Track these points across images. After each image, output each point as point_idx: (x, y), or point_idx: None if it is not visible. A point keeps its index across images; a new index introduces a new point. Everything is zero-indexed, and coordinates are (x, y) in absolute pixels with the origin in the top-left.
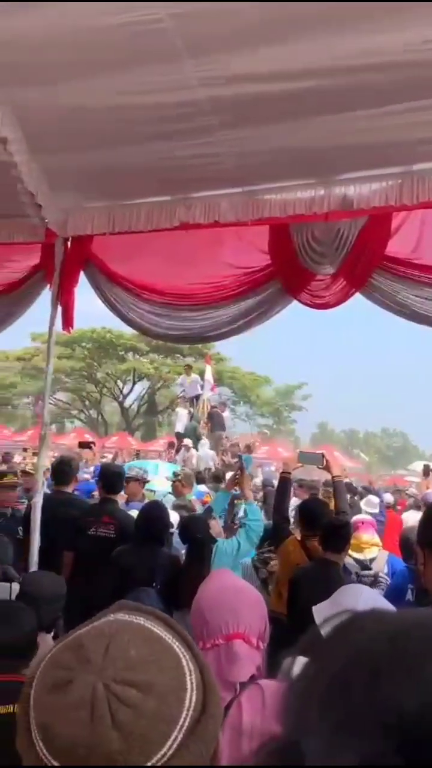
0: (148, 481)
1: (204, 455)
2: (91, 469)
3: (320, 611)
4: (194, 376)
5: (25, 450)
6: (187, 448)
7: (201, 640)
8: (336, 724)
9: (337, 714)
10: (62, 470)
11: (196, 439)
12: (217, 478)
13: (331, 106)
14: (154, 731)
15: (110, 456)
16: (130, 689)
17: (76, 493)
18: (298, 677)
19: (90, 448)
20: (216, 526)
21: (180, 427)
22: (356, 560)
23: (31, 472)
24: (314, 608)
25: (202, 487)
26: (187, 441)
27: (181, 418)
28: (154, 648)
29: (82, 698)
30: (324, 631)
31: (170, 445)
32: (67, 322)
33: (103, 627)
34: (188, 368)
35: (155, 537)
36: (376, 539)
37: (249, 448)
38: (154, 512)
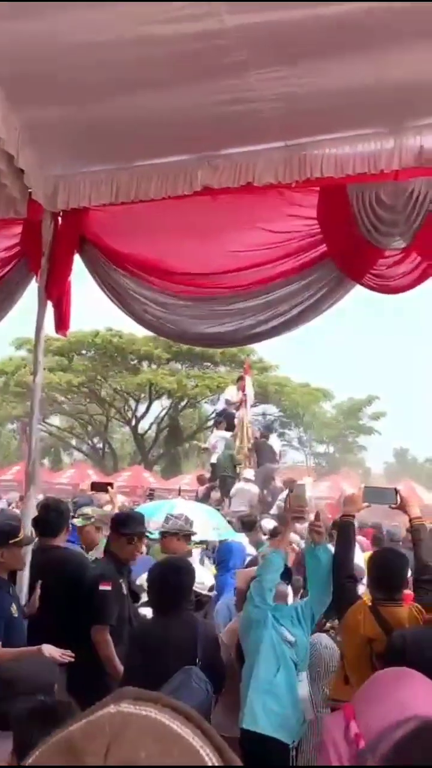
0: (194, 534)
1: (243, 494)
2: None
3: None
4: (248, 391)
5: (21, 499)
6: (223, 482)
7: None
8: None
9: None
10: (48, 518)
11: (234, 474)
12: (247, 524)
13: (403, 34)
14: None
15: (123, 498)
16: None
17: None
18: None
19: (106, 490)
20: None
21: (215, 458)
22: None
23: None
24: None
25: (243, 539)
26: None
27: (218, 445)
28: (170, 748)
29: None
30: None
31: (199, 480)
32: (61, 322)
33: (101, 723)
34: (241, 380)
35: (182, 602)
36: None
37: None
38: (182, 570)
